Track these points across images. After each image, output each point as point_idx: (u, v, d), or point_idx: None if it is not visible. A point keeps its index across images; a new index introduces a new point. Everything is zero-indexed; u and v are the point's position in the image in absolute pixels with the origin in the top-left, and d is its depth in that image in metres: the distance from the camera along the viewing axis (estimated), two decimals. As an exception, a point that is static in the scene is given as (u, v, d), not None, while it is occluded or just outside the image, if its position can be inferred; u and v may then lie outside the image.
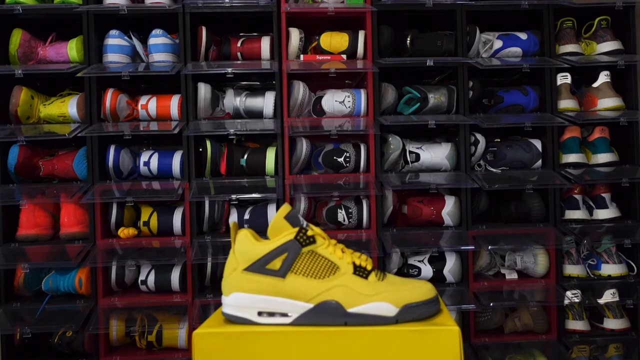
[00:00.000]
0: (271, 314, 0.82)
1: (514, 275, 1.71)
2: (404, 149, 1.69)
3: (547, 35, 1.71)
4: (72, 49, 1.64)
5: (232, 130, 1.60)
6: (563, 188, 1.70)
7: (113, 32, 1.63)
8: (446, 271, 1.64)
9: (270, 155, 1.65)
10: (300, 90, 1.64)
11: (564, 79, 1.71)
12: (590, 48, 1.76)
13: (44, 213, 1.63)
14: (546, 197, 1.68)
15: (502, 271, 1.72)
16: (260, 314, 0.82)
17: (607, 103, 1.71)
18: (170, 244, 1.62)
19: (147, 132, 1.68)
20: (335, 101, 1.66)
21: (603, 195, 1.74)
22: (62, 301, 1.61)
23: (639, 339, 1.69)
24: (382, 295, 0.80)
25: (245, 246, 0.83)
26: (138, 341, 1.61)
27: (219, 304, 0.90)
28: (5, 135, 1.57)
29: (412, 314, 0.80)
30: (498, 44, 1.71)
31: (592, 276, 1.72)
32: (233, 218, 1.66)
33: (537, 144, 1.71)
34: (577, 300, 1.63)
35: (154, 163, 1.67)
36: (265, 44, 1.68)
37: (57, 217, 1.64)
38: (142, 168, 1.68)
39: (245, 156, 1.66)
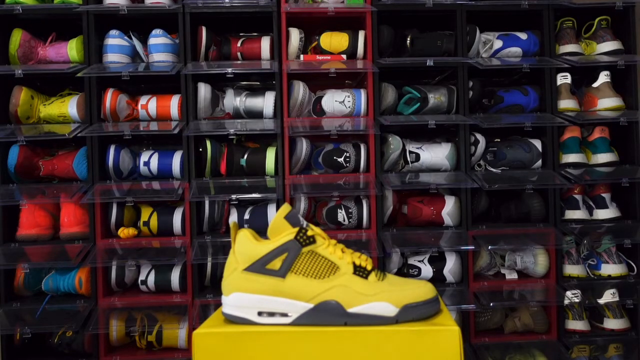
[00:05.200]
0: (271, 314, 0.82)
1: (514, 275, 1.71)
2: (404, 149, 1.69)
3: (547, 35, 1.71)
4: (72, 49, 1.64)
5: (232, 130, 1.60)
6: (563, 188, 1.70)
7: (113, 32, 1.63)
8: (446, 271, 1.64)
9: (270, 155, 1.65)
10: (300, 90, 1.64)
11: (564, 79, 1.71)
12: (590, 48, 1.76)
13: (44, 213, 1.63)
14: (546, 197, 1.68)
15: (502, 271, 1.72)
16: (260, 314, 0.82)
17: (607, 103, 1.71)
18: (170, 244, 1.62)
19: (147, 132, 1.68)
20: (335, 101, 1.66)
21: (603, 195, 1.74)
22: (62, 301, 1.61)
23: (639, 339, 1.69)
24: (382, 295, 0.80)
25: (245, 246, 0.83)
26: (138, 341, 1.61)
27: (219, 304, 0.90)
28: (5, 135, 1.57)
29: (412, 314, 0.80)
30: (498, 44, 1.71)
31: (592, 276, 1.72)
32: (233, 218, 1.66)
33: (537, 144, 1.71)
34: (577, 300, 1.63)
35: (154, 163, 1.67)
36: (265, 44, 1.68)
37: (57, 217, 1.64)
38: (142, 168, 1.68)
39: (245, 156, 1.67)
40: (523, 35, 1.71)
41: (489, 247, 1.61)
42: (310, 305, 0.81)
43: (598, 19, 1.75)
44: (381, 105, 1.67)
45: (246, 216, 1.65)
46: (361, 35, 1.66)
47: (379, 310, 0.79)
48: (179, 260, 1.56)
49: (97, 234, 1.60)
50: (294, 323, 0.81)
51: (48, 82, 1.74)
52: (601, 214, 1.73)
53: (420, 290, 0.82)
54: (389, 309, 0.79)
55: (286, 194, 1.61)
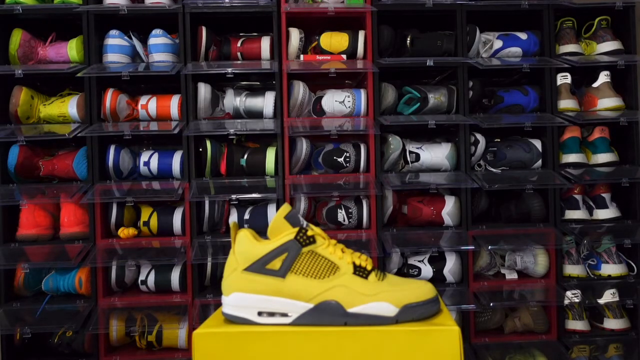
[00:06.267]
0: (271, 314, 0.82)
1: (514, 275, 1.71)
2: (404, 149, 1.69)
3: (547, 35, 1.71)
4: (72, 49, 1.64)
5: (232, 130, 1.60)
6: (563, 188, 1.70)
7: (113, 32, 1.63)
8: (446, 271, 1.64)
9: (270, 155, 1.65)
10: (300, 90, 1.64)
11: (564, 79, 1.71)
12: (590, 48, 1.76)
13: (44, 213, 1.63)
14: (546, 197, 1.68)
15: (502, 271, 1.72)
16: (260, 314, 0.82)
17: (607, 103, 1.71)
18: (170, 244, 1.62)
19: (147, 132, 1.67)
20: (335, 101, 1.66)
21: (603, 195, 1.74)
22: (62, 301, 1.61)
23: (639, 339, 1.69)
24: (382, 295, 0.80)
25: (245, 246, 0.83)
26: (138, 341, 1.61)
27: (219, 304, 0.90)
28: (5, 135, 1.57)
29: (412, 314, 0.80)
30: (498, 44, 1.71)
31: (592, 276, 1.72)
32: (233, 218, 1.66)
33: (537, 144, 1.71)
34: (577, 300, 1.63)
35: (154, 163, 1.67)
36: (265, 44, 1.68)
37: (57, 217, 1.64)
38: (142, 168, 1.68)
39: (245, 156, 1.67)
40: (523, 35, 1.71)
41: (489, 247, 1.61)
42: (310, 305, 0.81)
43: (598, 19, 1.75)
44: (381, 105, 1.67)
45: (246, 216, 1.65)
46: (361, 35, 1.66)
47: (379, 310, 0.79)
48: (179, 260, 1.56)
49: (97, 234, 1.60)
50: (294, 323, 0.81)
51: (48, 82, 1.74)
52: (601, 214, 1.73)
53: (420, 290, 0.82)
54: (389, 309, 0.79)
55: (286, 194, 1.61)
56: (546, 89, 1.70)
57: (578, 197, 1.73)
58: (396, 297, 0.80)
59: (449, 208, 1.66)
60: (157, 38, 1.62)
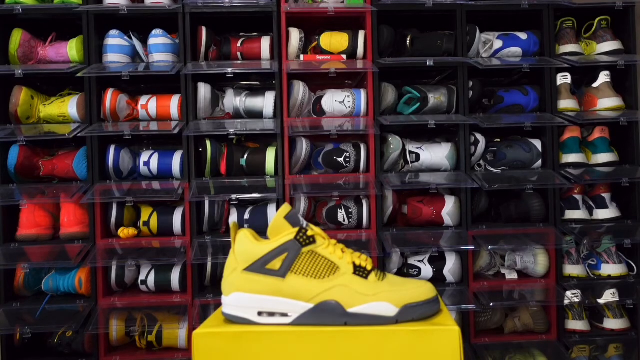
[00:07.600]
0: (271, 314, 0.82)
1: (514, 275, 1.71)
2: (404, 149, 1.69)
3: (547, 35, 1.71)
4: (72, 49, 1.64)
5: (232, 130, 1.60)
6: (563, 188, 1.70)
7: (113, 32, 1.63)
8: (446, 271, 1.64)
9: (270, 155, 1.65)
10: (300, 90, 1.64)
11: (564, 79, 1.71)
12: (590, 48, 1.76)
13: (44, 213, 1.63)
14: (546, 197, 1.68)
15: (502, 271, 1.72)
16: (260, 314, 0.82)
17: (607, 103, 1.71)
18: (170, 244, 1.62)
19: (147, 132, 1.68)
20: (335, 101, 1.66)
21: (603, 195, 1.74)
22: (62, 301, 1.61)
23: (639, 339, 1.69)
24: (382, 295, 0.80)
25: (245, 246, 0.83)
26: (138, 341, 1.61)
27: (219, 304, 0.90)
28: (5, 135, 1.57)
29: (412, 314, 0.80)
30: (498, 44, 1.71)
31: (592, 276, 1.72)
32: (233, 218, 1.66)
33: (537, 144, 1.71)
34: (577, 300, 1.63)
35: (154, 163, 1.67)
36: (265, 44, 1.68)
37: (57, 217, 1.64)
38: (142, 168, 1.68)
39: (245, 156, 1.67)
40: (523, 35, 1.71)
41: (489, 247, 1.61)
42: (310, 305, 0.80)
43: (598, 19, 1.75)
44: (381, 105, 1.67)
45: (246, 216, 1.65)
46: (361, 35, 1.66)
47: (379, 310, 0.79)
48: (179, 260, 1.56)
49: (97, 234, 1.60)
50: (294, 323, 0.81)
51: (48, 82, 1.74)
52: (601, 214, 1.73)
53: (420, 290, 0.82)
54: (389, 309, 0.79)
55: (286, 194, 1.61)
56: (546, 89, 1.70)
57: (578, 197, 1.73)
58: (396, 297, 0.80)
59: (449, 208, 1.66)
60: (157, 38, 1.62)
